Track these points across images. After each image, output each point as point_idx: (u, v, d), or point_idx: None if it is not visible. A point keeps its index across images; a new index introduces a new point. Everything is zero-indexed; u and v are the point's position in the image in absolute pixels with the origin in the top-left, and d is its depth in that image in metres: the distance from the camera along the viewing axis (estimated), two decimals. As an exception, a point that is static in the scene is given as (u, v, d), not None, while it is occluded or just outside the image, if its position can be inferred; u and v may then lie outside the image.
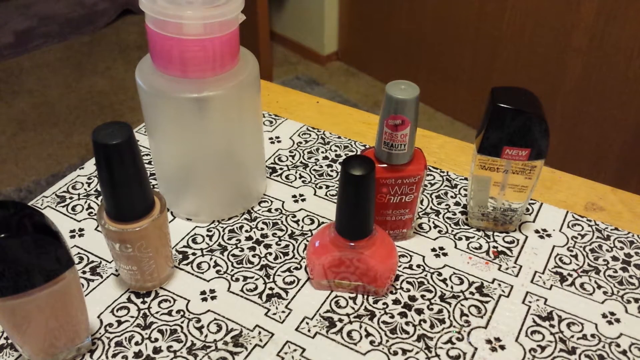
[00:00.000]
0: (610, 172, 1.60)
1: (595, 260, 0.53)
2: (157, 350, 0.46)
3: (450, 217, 0.58)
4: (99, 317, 0.48)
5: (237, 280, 0.51)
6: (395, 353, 0.46)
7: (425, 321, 0.48)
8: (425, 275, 0.52)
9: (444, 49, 1.89)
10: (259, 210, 0.58)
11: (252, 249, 0.54)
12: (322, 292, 0.50)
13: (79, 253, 0.54)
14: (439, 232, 0.56)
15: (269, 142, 0.67)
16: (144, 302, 0.49)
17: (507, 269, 0.52)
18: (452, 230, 0.56)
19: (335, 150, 0.66)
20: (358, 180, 0.42)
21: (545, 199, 0.60)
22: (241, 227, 0.56)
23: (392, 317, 0.48)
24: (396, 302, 0.49)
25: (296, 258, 0.53)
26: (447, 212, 0.58)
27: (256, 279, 0.51)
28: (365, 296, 0.50)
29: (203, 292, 0.50)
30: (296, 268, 0.52)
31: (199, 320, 0.48)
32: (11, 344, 0.46)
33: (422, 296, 0.50)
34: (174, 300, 0.50)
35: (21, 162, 1.78)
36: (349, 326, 0.48)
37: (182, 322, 0.48)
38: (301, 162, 0.64)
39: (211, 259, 0.53)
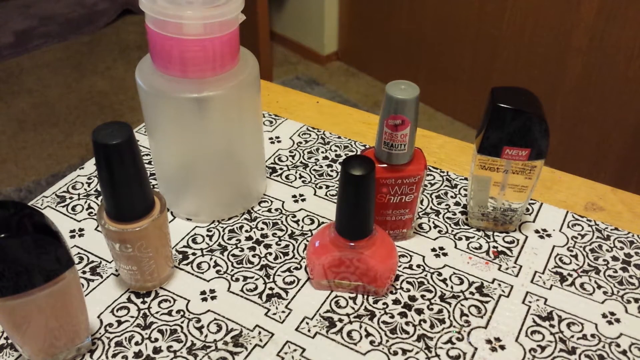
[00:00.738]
0: (610, 172, 1.60)
1: (595, 260, 0.53)
2: (157, 350, 0.46)
3: (450, 217, 0.58)
4: (99, 317, 0.48)
5: (237, 280, 0.51)
6: (395, 353, 0.46)
7: (425, 321, 0.48)
8: (425, 275, 0.52)
9: (444, 49, 1.89)
10: (259, 210, 0.58)
11: (252, 249, 0.54)
12: (322, 292, 0.50)
13: (79, 253, 0.54)
14: (439, 232, 0.56)
15: (269, 142, 0.67)
16: (144, 302, 0.49)
17: (507, 269, 0.52)
18: (452, 230, 0.56)
19: (335, 150, 0.66)
20: (358, 180, 0.42)
21: (545, 199, 0.60)
22: (241, 227, 0.56)
23: (392, 317, 0.48)
24: (396, 302, 0.49)
25: (296, 258, 0.53)
26: (447, 212, 0.58)
27: (256, 279, 0.51)
28: (365, 296, 0.50)
29: (203, 292, 0.50)
30: (296, 268, 0.52)
31: (199, 320, 0.48)
32: (11, 344, 0.46)
33: (422, 296, 0.50)
34: (174, 300, 0.50)
35: (21, 162, 1.78)
36: (349, 326, 0.48)
37: (182, 322, 0.48)
38: (301, 162, 0.64)
39: (211, 259, 0.53)
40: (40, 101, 2.03)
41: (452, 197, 0.60)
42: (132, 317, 0.48)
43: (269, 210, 0.58)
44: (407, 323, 0.48)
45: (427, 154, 0.65)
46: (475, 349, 0.46)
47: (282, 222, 0.57)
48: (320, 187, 0.61)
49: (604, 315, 0.49)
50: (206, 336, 0.47)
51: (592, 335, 0.47)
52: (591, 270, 0.53)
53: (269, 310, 0.49)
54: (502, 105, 0.47)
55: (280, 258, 0.53)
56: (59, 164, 1.77)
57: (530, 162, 0.50)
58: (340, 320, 0.48)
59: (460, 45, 1.84)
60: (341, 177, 0.43)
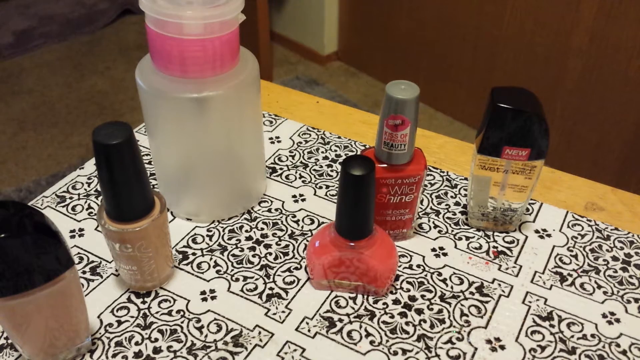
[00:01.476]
0: (610, 172, 1.60)
1: (595, 260, 0.53)
2: (157, 350, 0.46)
3: (450, 217, 0.58)
4: (99, 317, 0.48)
5: (237, 280, 0.51)
6: (395, 353, 0.46)
7: (425, 321, 0.48)
8: (425, 275, 0.52)
9: (444, 49, 1.89)
10: (259, 210, 0.58)
11: (252, 249, 0.54)
12: (322, 292, 0.50)
13: (79, 253, 0.54)
14: (439, 232, 0.56)
15: (269, 142, 0.67)
16: (144, 302, 0.49)
17: (507, 269, 0.52)
18: (452, 230, 0.56)
19: (335, 150, 0.66)
20: (358, 180, 0.42)
21: (545, 199, 0.60)
22: (241, 227, 0.56)
23: (392, 317, 0.48)
24: (396, 302, 0.49)
25: (296, 258, 0.53)
26: (447, 212, 0.58)
27: (256, 279, 0.51)
28: (365, 296, 0.50)
29: (203, 292, 0.50)
30: (296, 268, 0.52)
31: (199, 320, 0.48)
32: (11, 344, 0.46)
33: (422, 296, 0.50)
34: (174, 300, 0.50)
35: (21, 162, 1.78)
36: (349, 326, 0.48)
37: (182, 322, 0.48)
38: (301, 162, 0.64)
39: (211, 259, 0.53)
40: (40, 101, 2.03)
41: (452, 197, 0.60)
42: (132, 317, 0.48)
43: (269, 210, 0.58)
44: (407, 323, 0.48)
45: (427, 154, 0.65)
46: (475, 349, 0.46)
47: (282, 222, 0.57)
48: (320, 187, 0.61)
49: (604, 315, 0.49)
50: (206, 336, 0.47)
51: (592, 335, 0.47)
52: (591, 270, 0.53)
53: (269, 310, 0.49)
54: (502, 105, 0.47)
55: (280, 258, 0.53)
56: (59, 164, 1.77)
57: (530, 162, 0.50)
58: (340, 320, 0.48)
59: (460, 45, 1.84)
60: (341, 177, 0.43)
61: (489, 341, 0.46)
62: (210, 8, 0.45)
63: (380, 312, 0.49)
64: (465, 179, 0.62)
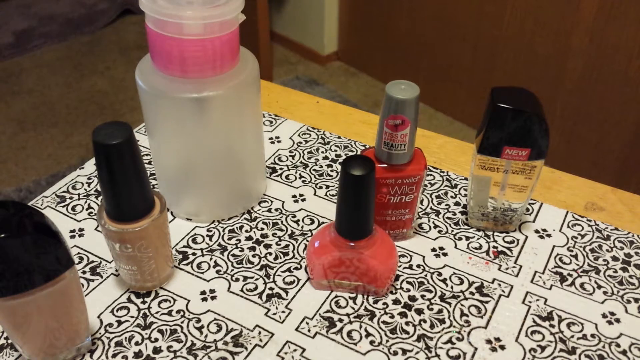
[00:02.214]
0: (610, 172, 1.60)
1: (595, 260, 0.53)
2: (157, 350, 0.46)
3: (450, 217, 0.58)
4: (99, 317, 0.48)
5: (237, 280, 0.51)
6: (395, 353, 0.46)
7: (425, 321, 0.48)
8: (425, 275, 0.52)
9: (444, 49, 1.89)
10: (259, 210, 0.58)
11: (252, 249, 0.54)
12: (322, 292, 0.50)
13: (79, 253, 0.54)
14: (439, 232, 0.56)
15: (269, 142, 0.67)
16: (144, 302, 0.49)
17: (507, 269, 0.52)
18: (452, 230, 0.56)
19: (335, 150, 0.66)
20: (358, 180, 0.42)
21: (545, 199, 0.60)
22: (241, 227, 0.56)
23: (392, 317, 0.48)
24: (396, 302, 0.49)
25: (296, 258, 0.53)
26: (447, 212, 0.58)
27: (256, 279, 0.51)
28: (365, 296, 0.50)
29: (203, 292, 0.50)
30: (296, 268, 0.52)
31: (199, 320, 0.48)
32: (11, 344, 0.46)
33: (422, 296, 0.50)
34: (174, 300, 0.50)
35: (21, 162, 1.78)
36: (349, 326, 0.48)
37: (182, 322, 0.48)
38: (301, 162, 0.64)
39: (211, 259, 0.53)
40: (40, 101, 2.03)
41: (452, 197, 0.60)
42: (132, 317, 0.48)
43: (269, 210, 0.58)
44: (407, 323, 0.48)
45: (427, 154, 0.65)
46: (475, 349, 0.46)
47: (282, 222, 0.57)
48: (320, 187, 0.61)
49: (604, 315, 0.49)
50: (206, 336, 0.47)
51: (592, 335, 0.47)
52: (591, 270, 0.53)
53: (269, 310, 0.49)
54: (502, 105, 0.47)
55: (280, 258, 0.53)
56: (59, 164, 1.77)
57: (530, 162, 0.50)
58: (340, 320, 0.48)
59: (460, 45, 1.84)
60: (341, 177, 0.43)
61: (489, 341, 0.46)
62: (210, 8, 0.45)
63: (380, 312, 0.49)
64: (465, 179, 0.62)
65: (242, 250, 0.54)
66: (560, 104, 1.63)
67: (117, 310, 0.49)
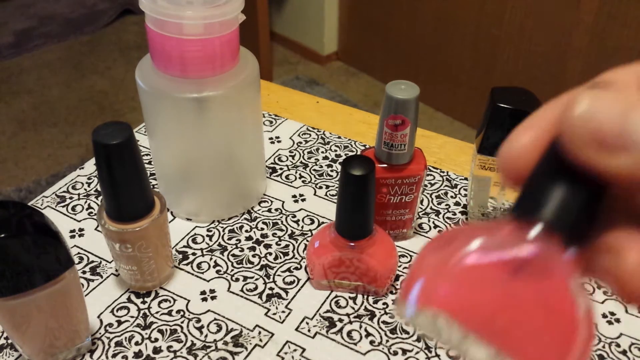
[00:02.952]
0: (610, 172, 1.59)
1: (595, 260, 0.53)
2: (157, 350, 0.46)
3: (450, 217, 0.58)
4: (99, 317, 0.48)
5: (237, 280, 0.51)
6: (395, 353, 0.46)
7: None
8: (425, 275, 0.52)
9: (444, 49, 1.89)
10: (259, 210, 0.58)
11: (252, 249, 0.54)
12: (322, 292, 0.50)
13: (79, 253, 0.54)
14: (439, 232, 0.56)
15: (269, 142, 0.67)
16: (144, 302, 0.49)
17: (507, 269, 0.52)
18: (452, 230, 0.56)
19: (335, 150, 0.66)
20: (358, 180, 0.42)
21: (545, 199, 0.60)
22: (241, 227, 0.56)
23: (392, 317, 0.48)
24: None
25: (296, 258, 0.53)
26: (447, 212, 0.58)
27: (256, 279, 0.51)
28: (365, 296, 0.50)
29: (203, 292, 0.50)
30: (296, 268, 0.52)
31: (199, 320, 0.48)
32: (11, 344, 0.46)
33: (422, 296, 0.50)
34: (174, 300, 0.50)
35: (21, 162, 1.78)
36: (349, 326, 0.48)
37: (182, 322, 0.48)
38: (301, 162, 0.64)
39: (211, 259, 0.53)
40: (40, 101, 2.03)
41: (452, 197, 0.60)
42: (132, 317, 0.48)
43: (269, 210, 0.58)
44: (407, 323, 0.48)
45: (427, 154, 0.65)
46: (475, 349, 0.46)
47: (282, 222, 0.57)
48: (320, 187, 0.61)
49: (604, 315, 0.49)
50: (206, 336, 0.47)
51: (592, 335, 0.47)
52: (591, 270, 0.53)
53: (269, 310, 0.49)
54: (502, 105, 0.47)
55: (280, 258, 0.53)
56: (59, 164, 1.77)
57: (530, 162, 0.50)
58: (340, 320, 0.48)
59: (460, 45, 1.84)
60: (341, 177, 0.43)
61: (489, 341, 0.46)
62: (210, 8, 0.45)
63: (380, 312, 0.49)
64: (465, 179, 0.62)
65: (242, 250, 0.54)
66: (560, 104, 1.63)
67: (117, 310, 0.49)
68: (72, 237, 0.55)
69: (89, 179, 0.62)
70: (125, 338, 0.47)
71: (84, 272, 0.52)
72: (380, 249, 0.47)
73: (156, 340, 0.46)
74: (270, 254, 0.54)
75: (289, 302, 0.49)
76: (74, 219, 0.57)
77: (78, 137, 1.88)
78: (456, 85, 1.91)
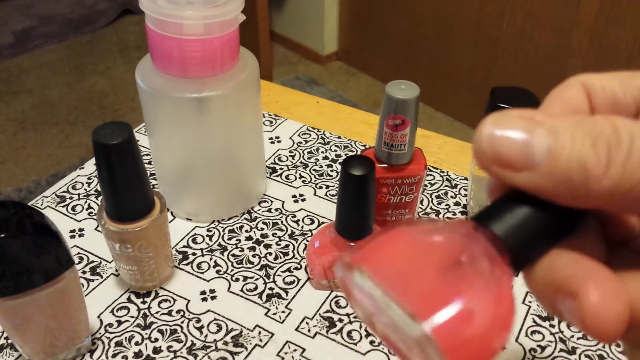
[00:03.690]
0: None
1: (595, 260, 0.53)
2: (157, 350, 0.46)
3: (450, 217, 0.58)
4: (99, 317, 0.48)
5: (237, 280, 0.51)
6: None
7: None
8: (425, 275, 0.52)
9: (444, 49, 1.89)
10: (259, 210, 0.58)
11: (252, 249, 0.54)
12: (322, 292, 0.50)
13: (79, 253, 0.54)
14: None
15: (269, 142, 0.67)
16: (144, 302, 0.49)
17: (507, 269, 0.52)
18: (452, 230, 0.56)
19: (335, 150, 0.66)
20: (358, 180, 0.42)
21: (545, 199, 0.60)
22: (241, 227, 0.56)
23: (392, 317, 0.48)
24: (396, 302, 0.49)
25: (296, 258, 0.53)
26: (447, 212, 0.58)
27: (256, 279, 0.51)
28: (365, 296, 0.50)
29: (203, 292, 0.50)
30: (296, 268, 0.52)
31: (199, 320, 0.48)
32: (11, 344, 0.46)
33: (422, 296, 0.50)
34: (174, 300, 0.50)
35: (21, 162, 1.78)
36: (349, 326, 0.48)
37: (182, 322, 0.48)
38: (301, 162, 0.64)
39: (211, 259, 0.53)
40: (40, 101, 2.03)
41: (452, 197, 0.60)
42: (132, 317, 0.48)
43: (269, 210, 0.58)
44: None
45: (427, 154, 0.64)
46: (475, 349, 0.46)
47: (282, 222, 0.57)
48: (320, 187, 0.61)
49: (604, 315, 0.49)
50: (206, 336, 0.47)
51: (592, 335, 0.47)
52: (591, 270, 0.52)
53: (269, 310, 0.49)
54: (502, 105, 0.47)
55: (280, 258, 0.53)
56: (59, 164, 1.77)
57: (530, 162, 0.50)
58: (340, 320, 0.48)
59: (460, 45, 1.84)
60: (341, 177, 0.43)
61: (489, 341, 0.46)
62: (210, 8, 0.45)
63: (380, 312, 0.49)
64: (465, 179, 0.62)
65: (242, 250, 0.54)
66: (560, 104, 1.63)
67: (117, 310, 0.49)
68: (72, 237, 0.55)
69: (89, 179, 0.62)
70: (125, 338, 0.47)
71: (84, 272, 0.52)
72: (380, 249, 0.47)
73: (156, 340, 0.46)
74: (270, 254, 0.54)
75: (289, 302, 0.49)
76: (74, 219, 0.57)
77: (78, 137, 1.88)
78: (456, 85, 1.91)
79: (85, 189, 0.61)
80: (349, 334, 0.47)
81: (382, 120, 0.47)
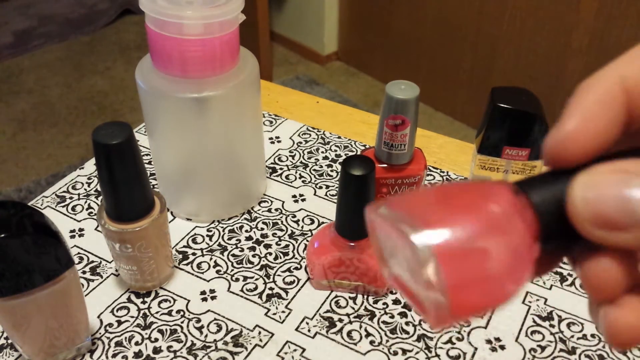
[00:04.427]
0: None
1: (595, 260, 0.53)
2: (157, 350, 0.46)
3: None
4: (99, 317, 0.48)
5: (237, 280, 0.51)
6: (395, 353, 0.46)
7: (425, 321, 0.48)
8: (425, 275, 0.52)
9: (444, 49, 1.89)
10: (259, 210, 0.58)
11: (252, 249, 0.54)
12: (322, 292, 0.50)
13: (79, 253, 0.54)
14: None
15: (269, 142, 0.67)
16: (144, 302, 0.49)
17: (507, 269, 0.52)
18: (452, 230, 0.56)
19: (335, 150, 0.66)
20: (358, 180, 0.42)
21: (545, 199, 0.60)
22: (241, 227, 0.56)
23: (392, 317, 0.48)
24: (396, 302, 0.49)
25: (296, 258, 0.53)
26: (447, 212, 0.58)
27: (256, 279, 0.51)
28: (365, 296, 0.50)
29: (203, 292, 0.50)
30: (296, 268, 0.52)
31: (199, 320, 0.48)
32: (11, 344, 0.46)
33: (422, 296, 0.50)
34: (174, 300, 0.50)
35: (21, 162, 1.78)
36: (349, 326, 0.48)
37: (182, 322, 0.48)
38: (301, 162, 0.64)
39: (211, 259, 0.53)
40: (40, 101, 2.03)
41: (452, 197, 0.60)
42: (132, 317, 0.48)
43: (269, 210, 0.58)
44: (407, 323, 0.48)
45: (427, 154, 0.64)
46: (475, 349, 0.46)
47: (282, 222, 0.57)
48: (320, 187, 0.61)
49: (604, 315, 0.49)
50: (206, 336, 0.47)
51: (592, 335, 0.47)
52: (591, 270, 0.52)
53: (269, 310, 0.49)
54: (502, 105, 0.47)
55: (280, 258, 0.53)
56: (59, 164, 1.77)
57: (530, 162, 0.50)
58: (340, 320, 0.48)
59: (460, 45, 1.84)
60: (341, 177, 0.43)
61: (489, 341, 0.46)
62: (210, 8, 0.45)
63: (380, 312, 0.49)
64: (465, 179, 0.62)
65: (242, 250, 0.54)
66: (560, 104, 1.63)
67: (117, 310, 0.49)
68: (72, 237, 0.55)
69: (89, 179, 0.62)
70: (125, 338, 0.47)
71: (84, 272, 0.52)
72: (380, 249, 0.47)
73: (156, 340, 0.46)
74: (270, 254, 0.54)
75: (289, 302, 0.49)
76: (74, 219, 0.57)
77: (78, 137, 1.88)
78: (456, 85, 1.91)
79: (85, 189, 0.61)
80: (349, 334, 0.47)
81: (382, 120, 0.47)
